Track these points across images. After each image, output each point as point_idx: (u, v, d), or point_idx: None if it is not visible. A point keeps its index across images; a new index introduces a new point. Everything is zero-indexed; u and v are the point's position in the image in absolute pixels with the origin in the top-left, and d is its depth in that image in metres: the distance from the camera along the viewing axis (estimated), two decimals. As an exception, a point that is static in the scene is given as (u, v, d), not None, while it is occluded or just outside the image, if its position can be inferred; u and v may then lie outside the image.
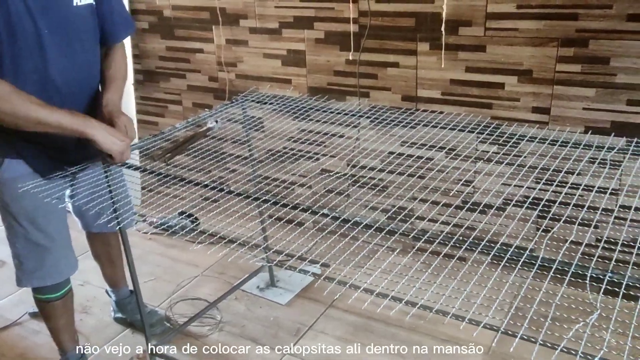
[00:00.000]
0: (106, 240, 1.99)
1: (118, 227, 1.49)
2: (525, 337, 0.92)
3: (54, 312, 1.76)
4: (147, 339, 1.80)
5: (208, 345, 2.02)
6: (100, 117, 1.54)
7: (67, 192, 1.69)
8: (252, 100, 2.03)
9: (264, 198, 1.34)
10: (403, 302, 1.03)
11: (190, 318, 2.07)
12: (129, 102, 3.16)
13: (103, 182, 1.52)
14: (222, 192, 1.38)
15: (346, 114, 1.93)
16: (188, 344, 2.01)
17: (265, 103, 2.00)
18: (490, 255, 1.06)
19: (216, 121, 1.72)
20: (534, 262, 1.00)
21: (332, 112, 1.91)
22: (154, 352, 1.81)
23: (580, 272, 0.89)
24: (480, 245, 1.06)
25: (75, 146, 1.57)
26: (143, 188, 2.77)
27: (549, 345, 1.02)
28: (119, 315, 2.15)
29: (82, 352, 1.83)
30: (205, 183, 1.42)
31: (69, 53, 1.47)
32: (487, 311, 0.98)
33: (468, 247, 1.08)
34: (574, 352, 0.88)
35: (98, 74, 1.62)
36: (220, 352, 1.98)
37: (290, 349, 1.99)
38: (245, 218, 1.60)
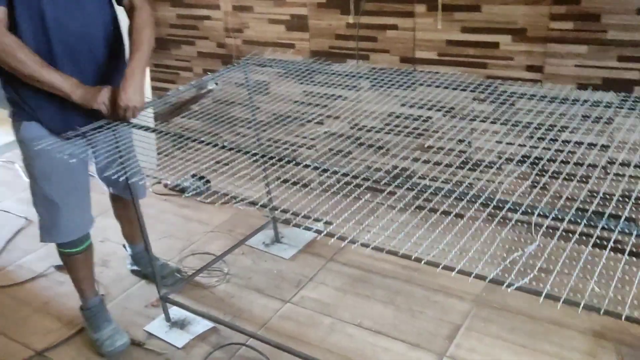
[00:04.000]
0: (126, 203, 2.11)
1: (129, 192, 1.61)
2: (513, 286, 0.96)
3: (76, 264, 1.90)
4: (158, 288, 1.96)
5: (216, 294, 2.18)
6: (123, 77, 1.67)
7: (90, 153, 1.81)
8: (254, 64, 2.12)
9: (262, 154, 1.43)
10: (399, 254, 1.07)
11: (198, 269, 2.23)
12: (142, 70, 3.28)
13: (115, 146, 1.63)
14: (230, 151, 1.47)
15: (346, 76, 2.00)
16: (197, 293, 2.18)
17: (265, 66, 2.09)
18: (486, 212, 1.07)
19: (216, 83, 1.82)
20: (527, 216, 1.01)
21: (332, 74, 1.98)
22: (165, 299, 1.97)
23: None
24: (477, 203, 1.07)
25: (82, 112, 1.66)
26: (159, 152, 2.92)
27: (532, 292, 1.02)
28: (135, 267, 2.32)
29: (100, 299, 1.99)
30: (215, 143, 1.50)
31: (70, 15, 1.58)
32: (478, 263, 1.00)
33: (465, 205, 1.09)
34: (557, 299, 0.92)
35: (108, 35, 1.71)
36: (226, 301, 2.14)
37: (291, 298, 2.13)
38: (255, 180, 1.70)
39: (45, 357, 1.90)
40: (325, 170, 1.30)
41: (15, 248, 2.60)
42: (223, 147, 1.52)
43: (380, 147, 2.26)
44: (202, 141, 1.55)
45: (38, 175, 1.73)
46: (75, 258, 1.88)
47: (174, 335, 1.95)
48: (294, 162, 1.35)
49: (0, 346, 1.98)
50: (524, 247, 0.98)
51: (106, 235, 2.57)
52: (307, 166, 1.34)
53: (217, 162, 1.56)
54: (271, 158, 1.42)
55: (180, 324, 1.99)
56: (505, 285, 0.92)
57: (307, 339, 1.91)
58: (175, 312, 2.03)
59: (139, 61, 1.67)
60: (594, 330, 1.86)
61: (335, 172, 1.29)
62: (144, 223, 1.98)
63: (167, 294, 2.00)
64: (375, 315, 2.00)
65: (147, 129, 1.67)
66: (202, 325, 1.98)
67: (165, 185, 3.02)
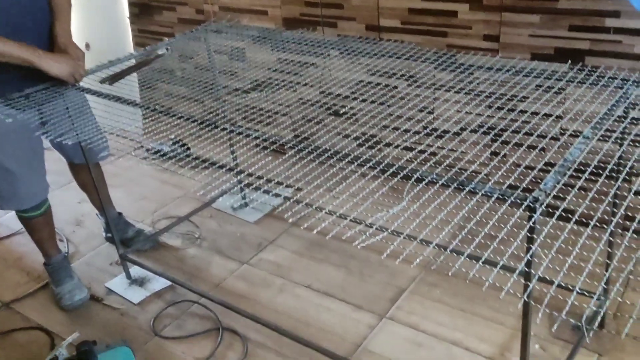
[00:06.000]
0: (86, 171, 2.06)
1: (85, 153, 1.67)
2: (467, 256, 0.97)
3: (36, 227, 1.98)
4: (117, 247, 2.07)
5: (179, 254, 2.28)
6: (55, 47, 1.71)
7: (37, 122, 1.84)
8: (211, 30, 2.16)
9: (230, 129, 1.46)
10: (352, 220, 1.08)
11: (160, 230, 2.33)
12: (125, 36, 3.34)
13: (69, 112, 1.68)
14: (195, 123, 1.49)
15: (315, 45, 2.01)
16: (161, 253, 2.28)
17: (221, 32, 2.12)
18: (441, 183, 1.03)
19: (167, 49, 1.87)
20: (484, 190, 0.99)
21: (302, 43, 2.00)
22: (124, 258, 2.08)
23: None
24: (444, 178, 1.04)
25: (34, 79, 1.69)
26: (144, 117, 3.00)
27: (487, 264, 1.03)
28: (109, 234, 2.38)
29: (63, 256, 2.09)
30: (183, 115, 1.51)
31: None
32: (437, 232, 1.02)
33: (432, 179, 1.07)
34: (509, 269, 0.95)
35: (45, 7, 1.74)
36: (186, 261, 2.24)
37: (249, 260, 2.22)
38: (236, 146, 1.68)
39: (10, 308, 2.04)
40: (292, 147, 1.31)
41: (-3, 208, 2.73)
42: (186, 118, 1.55)
43: (349, 115, 2.29)
44: (180, 116, 1.54)
45: None
46: (35, 221, 1.97)
47: (132, 292, 2.06)
48: (261, 138, 1.36)
49: (-26, 297, 2.12)
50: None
51: (84, 197, 2.66)
52: (274, 143, 1.34)
53: (201, 129, 1.62)
54: (239, 134, 1.45)
55: (140, 282, 2.10)
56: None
57: (257, 299, 2.01)
58: (136, 270, 2.14)
59: (69, 23, 1.72)
60: (532, 296, 1.90)
61: (300, 150, 1.28)
62: (103, 185, 2.07)
63: (126, 252, 2.10)
64: (325, 278, 2.08)
65: (139, 105, 1.68)
66: (160, 283, 2.09)
67: (147, 150, 3.11)
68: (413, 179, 1.05)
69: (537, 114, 1.38)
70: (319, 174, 1.24)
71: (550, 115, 1.34)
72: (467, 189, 0.99)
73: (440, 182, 1.02)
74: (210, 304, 1.95)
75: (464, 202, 1.05)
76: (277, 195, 2.49)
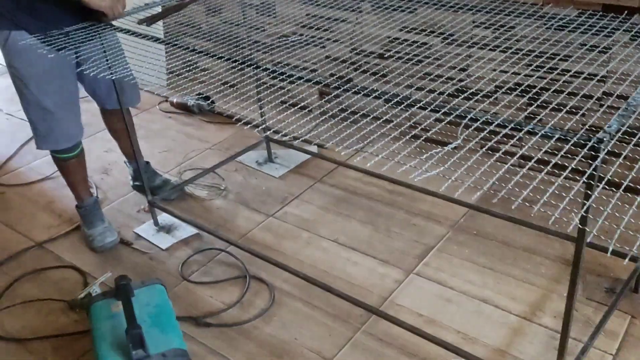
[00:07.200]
0: (119, 117, 2.06)
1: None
2: (493, 214, 0.91)
3: (70, 168, 2.00)
4: (146, 193, 2.07)
5: (205, 205, 2.28)
6: None
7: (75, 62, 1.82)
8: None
9: (265, 67, 1.39)
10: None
11: (186, 180, 2.33)
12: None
13: (105, 54, 1.66)
14: (232, 63, 1.43)
15: None
16: (188, 203, 2.29)
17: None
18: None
19: (203, -9, 1.84)
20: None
21: None
22: (153, 204, 2.08)
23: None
24: (500, 118, 0.99)
25: (73, 16, 1.68)
26: (168, 71, 2.97)
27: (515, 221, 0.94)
28: (137, 183, 2.38)
29: (95, 199, 2.11)
30: (220, 56, 1.48)
31: None
32: (464, 190, 0.97)
33: (487, 120, 1.00)
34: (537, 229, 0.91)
35: None
36: (213, 212, 2.24)
37: (275, 213, 2.21)
38: (260, 103, 1.59)
39: (43, 247, 2.06)
40: (324, 87, 1.24)
41: (28, 152, 2.74)
42: (219, 57, 1.51)
43: (382, 74, 2.24)
44: (207, 54, 1.50)
45: (29, 82, 1.76)
46: (70, 162, 1.98)
47: (160, 238, 2.07)
48: (288, 77, 1.31)
49: (7, 236, 2.15)
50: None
51: (111, 146, 2.67)
52: (300, 78, 1.28)
53: (224, 84, 1.59)
54: (266, 69, 1.41)
55: (167, 229, 2.11)
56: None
57: (283, 250, 2.01)
58: (164, 218, 2.15)
59: None
60: (565, 258, 1.88)
61: (337, 87, 1.22)
62: (133, 132, 2.07)
63: (155, 199, 2.11)
64: (352, 234, 2.07)
65: (165, 42, 1.64)
66: (187, 231, 2.10)
67: (172, 104, 3.09)
68: (467, 119, 1.02)
69: (579, 74, 1.33)
70: (345, 127, 1.20)
71: (594, 76, 1.29)
72: (526, 129, 0.96)
73: (496, 123, 0.99)
74: (236, 252, 1.96)
75: (522, 142, 1.01)
76: (304, 151, 2.50)
